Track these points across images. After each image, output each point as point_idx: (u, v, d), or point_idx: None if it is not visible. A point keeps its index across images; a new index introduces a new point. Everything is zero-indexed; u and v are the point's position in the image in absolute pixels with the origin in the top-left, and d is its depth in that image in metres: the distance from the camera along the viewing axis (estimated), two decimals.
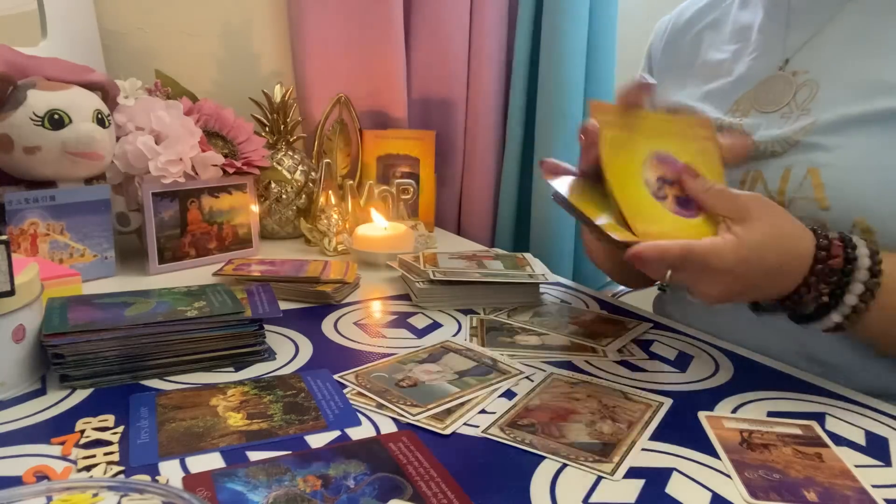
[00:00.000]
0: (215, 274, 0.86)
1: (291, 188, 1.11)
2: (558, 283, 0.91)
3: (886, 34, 0.66)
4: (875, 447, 0.51)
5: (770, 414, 0.56)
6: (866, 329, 0.58)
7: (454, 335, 0.72)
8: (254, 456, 0.47)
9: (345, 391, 0.57)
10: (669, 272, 0.53)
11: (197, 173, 0.94)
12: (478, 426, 0.52)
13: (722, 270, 0.53)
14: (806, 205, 0.65)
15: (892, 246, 0.60)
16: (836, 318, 0.56)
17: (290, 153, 1.13)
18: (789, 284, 0.56)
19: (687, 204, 0.58)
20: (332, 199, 1.09)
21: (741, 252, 0.53)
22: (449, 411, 0.54)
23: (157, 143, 0.91)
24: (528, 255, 0.91)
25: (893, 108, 0.62)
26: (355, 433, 0.51)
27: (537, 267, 0.85)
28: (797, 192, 0.66)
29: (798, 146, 0.67)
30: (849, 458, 0.49)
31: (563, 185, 0.61)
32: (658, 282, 0.91)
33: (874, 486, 0.46)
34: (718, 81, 0.78)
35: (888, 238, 0.61)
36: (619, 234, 0.54)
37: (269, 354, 0.65)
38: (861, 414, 0.56)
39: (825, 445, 0.51)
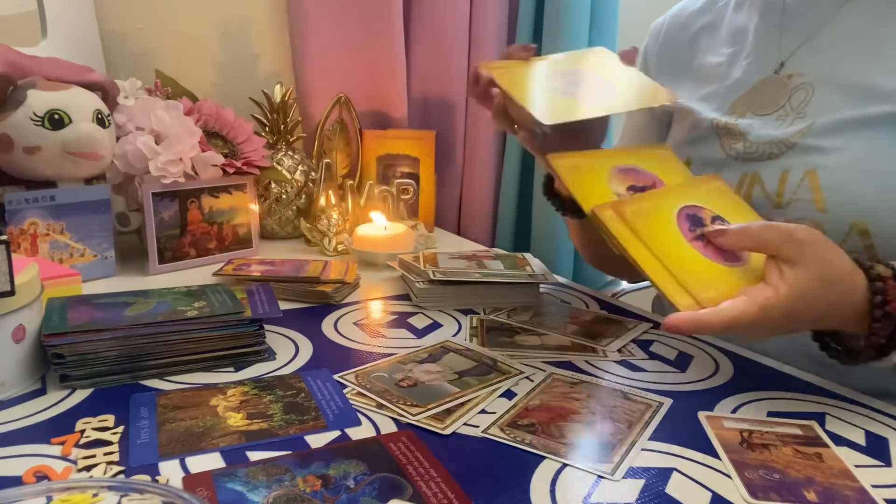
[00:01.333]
0: (215, 274, 0.86)
1: (291, 188, 1.11)
2: (558, 283, 0.91)
3: (881, 37, 0.66)
4: (875, 447, 0.51)
5: (770, 414, 0.56)
6: None
7: (454, 335, 0.72)
8: (254, 456, 0.47)
9: (345, 391, 0.57)
10: None
11: (197, 173, 0.94)
12: (478, 426, 0.52)
13: (769, 325, 0.51)
14: (804, 207, 0.65)
15: (889, 247, 0.60)
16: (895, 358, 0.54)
17: (290, 153, 1.13)
18: (837, 324, 0.54)
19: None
20: (332, 199, 1.09)
21: (793, 306, 0.50)
22: (449, 411, 0.54)
23: (157, 143, 0.91)
24: (528, 255, 0.91)
25: (889, 112, 0.62)
26: (355, 433, 0.51)
27: (537, 267, 0.85)
28: (795, 195, 0.66)
29: (795, 148, 0.67)
30: (849, 458, 0.49)
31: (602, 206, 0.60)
32: None
33: (874, 486, 0.46)
34: (715, 84, 0.78)
35: (886, 240, 0.61)
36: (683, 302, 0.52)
37: (269, 354, 0.65)
38: (861, 414, 0.56)
39: (825, 445, 0.51)
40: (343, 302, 0.82)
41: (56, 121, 0.80)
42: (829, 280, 0.51)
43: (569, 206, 0.80)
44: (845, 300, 0.52)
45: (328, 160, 1.14)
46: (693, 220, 0.58)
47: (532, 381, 0.60)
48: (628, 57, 0.77)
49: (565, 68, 0.76)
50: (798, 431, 0.53)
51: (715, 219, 0.59)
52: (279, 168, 1.11)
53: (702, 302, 0.51)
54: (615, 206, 0.57)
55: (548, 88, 0.72)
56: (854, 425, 0.54)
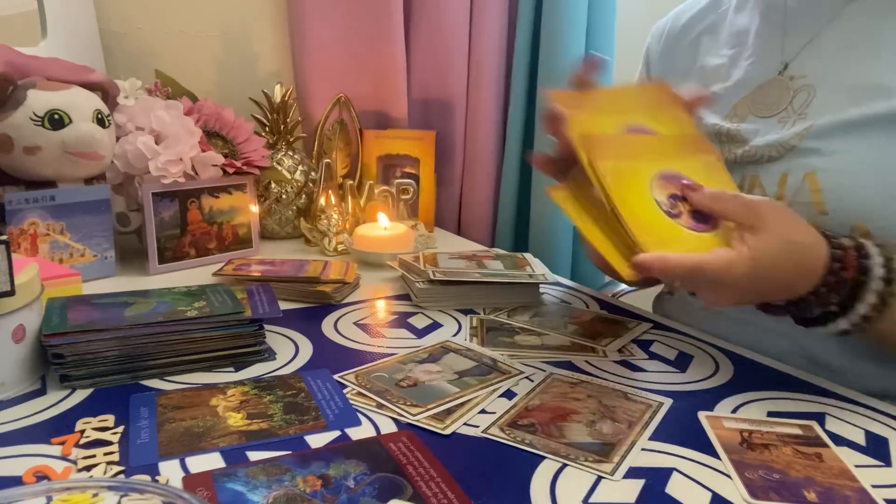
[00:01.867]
0: (215, 274, 0.86)
1: (291, 188, 1.11)
2: (558, 283, 0.91)
3: (883, 38, 0.66)
4: (875, 447, 0.51)
5: (770, 414, 0.56)
6: (874, 334, 0.57)
7: (454, 335, 0.72)
8: (254, 456, 0.47)
9: (345, 391, 0.57)
10: (678, 283, 0.53)
11: (197, 173, 0.94)
12: (478, 426, 0.52)
13: (733, 284, 0.52)
14: (804, 210, 0.65)
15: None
16: (843, 325, 0.56)
17: (290, 153, 1.13)
18: (799, 292, 0.56)
19: (703, 218, 0.57)
20: (332, 199, 1.09)
21: (755, 267, 0.52)
22: (449, 411, 0.54)
23: (157, 143, 0.91)
24: (528, 255, 0.91)
25: (890, 113, 0.62)
26: (355, 433, 0.51)
27: (537, 267, 0.85)
28: (795, 197, 0.66)
29: (795, 151, 0.67)
30: (849, 458, 0.49)
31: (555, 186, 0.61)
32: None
33: (874, 486, 0.46)
34: (716, 86, 0.78)
35: (886, 242, 0.61)
36: (620, 263, 0.54)
37: (269, 354, 0.65)
38: (861, 414, 0.56)
39: (825, 445, 0.51)
40: (343, 302, 0.82)
41: (56, 121, 0.80)
42: (791, 246, 0.53)
43: None
44: (807, 266, 0.54)
45: (328, 160, 1.14)
46: (673, 195, 0.58)
47: (532, 381, 0.60)
48: (593, 67, 0.63)
49: (664, 167, 0.61)
50: (798, 431, 0.53)
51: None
52: (279, 168, 1.11)
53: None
54: (591, 159, 0.56)
55: (651, 205, 0.59)
56: (854, 425, 0.54)
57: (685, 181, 0.59)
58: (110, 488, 0.33)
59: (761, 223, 0.53)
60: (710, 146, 0.65)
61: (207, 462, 0.47)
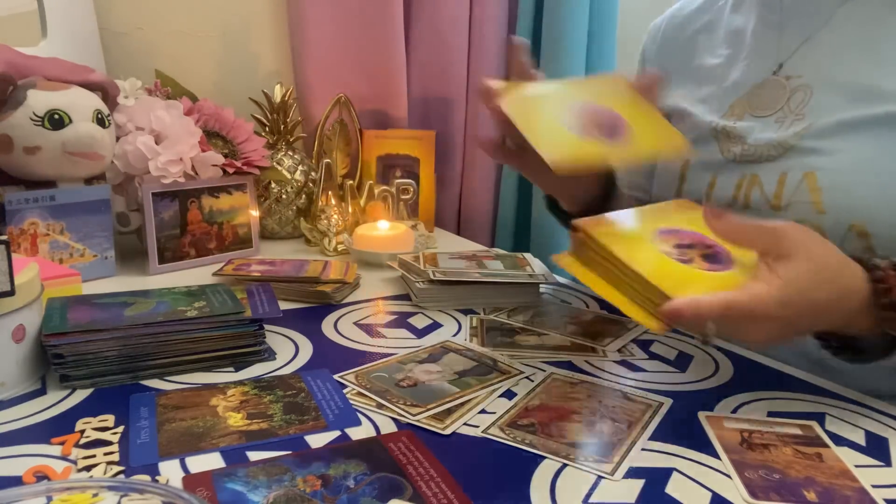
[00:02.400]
0: (215, 274, 0.86)
1: (291, 188, 1.11)
2: (558, 283, 0.91)
3: (879, 39, 0.66)
4: (875, 447, 0.51)
5: (770, 414, 0.56)
6: None
7: (454, 335, 0.72)
8: (254, 456, 0.47)
9: (345, 391, 0.57)
10: (711, 324, 0.49)
11: (197, 173, 0.94)
12: (478, 426, 0.52)
13: (768, 318, 0.48)
14: (802, 209, 0.65)
15: (888, 249, 0.60)
16: None
17: (290, 153, 1.13)
18: (843, 318, 0.53)
19: (716, 259, 0.54)
20: (332, 199, 1.09)
21: (787, 296, 0.48)
22: (449, 411, 0.54)
23: (157, 143, 0.91)
24: (528, 255, 0.91)
25: (888, 113, 0.62)
26: (355, 433, 0.51)
27: (537, 267, 0.85)
28: (794, 197, 0.66)
29: (794, 150, 0.67)
30: (849, 458, 0.49)
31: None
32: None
33: (874, 486, 0.46)
34: (713, 86, 0.78)
35: (884, 241, 0.61)
36: (642, 316, 0.52)
37: (269, 354, 0.65)
38: (861, 414, 0.56)
39: (825, 445, 0.51)
40: (343, 302, 0.82)
41: (56, 121, 0.80)
42: (823, 270, 0.50)
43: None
44: (844, 291, 0.51)
45: (328, 160, 1.14)
46: (680, 246, 0.56)
47: (532, 381, 0.60)
48: (648, 88, 0.67)
49: (580, 100, 0.66)
50: (798, 431, 0.53)
51: (700, 245, 0.57)
52: (279, 168, 1.11)
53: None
54: (585, 229, 0.56)
55: (561, 126, 0.62)
56: (854, 425, 0.54)
57: (681, 233, 0.57)
58: (110, 488, 0.33)
59: (788, 248, 0.50)
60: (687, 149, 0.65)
61: (207, 462, 0.47)
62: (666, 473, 0.47)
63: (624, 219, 0.60)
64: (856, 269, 0.52)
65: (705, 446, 0.50)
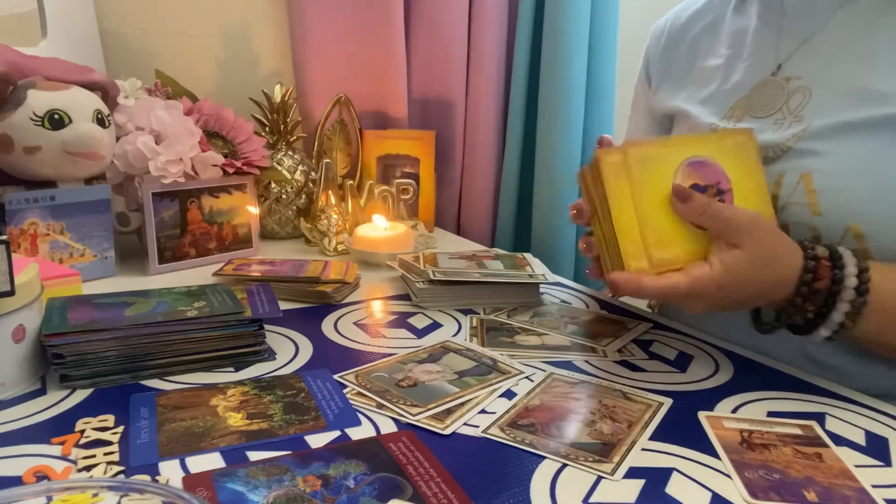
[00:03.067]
0: (215, 274, 0.86)
1: (291, 188, 1.11)
2: (558, 283, 0.91)
3: (877, 41, 0.66)
4: (875, 447, 0.51)
5: (770, 414, 0.56)
6: (858, 338, 0.60)
7: (454, 335, 0.72)
8: (254, 456, 0.47)
9: (345, 391, 0.57)
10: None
11: (197, 173, 0.94)
12: (478, 426, 0.52)
13: (704, 297, 0.57)
14: (799, 210, 0.65)
15: (884, 250, 0.60)
16: (824, 332, 0.59)
17: (290, 153, 1.13)
18: (774, 302, 0.60)
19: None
20: (332, 199, 1.09)
21: (723, 283, 0.56)
22: (449, 411, 0.54)
23: (157, 143, 0.91)
24: (528, 255, 0.91)
25: (885, 116, 0.62)
26: (355, 433, 0.51)
27: (537, 267, 0.85)
28: (790, 198, 0.66)
29: (791, 152, 0.67)
30: (849, 458, 0.49)
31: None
32: None
33: (874, 486, 0.46)
34: (714, 87, 0.78)
35: (881, 243, 0.61)
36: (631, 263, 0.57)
37: (269, 354, 0.65)
38: (861, 414, 0.56)
39: (825, 445, 0.51)
40: (343, 302, 0.82)
41: (56, 121, 0.80)
42: (765, 261, 0.57)
43: None
44: (779, 280, 0.58)
45: (328, 160, 1.14)
46: (696, 187, 0.60)
47: (532, 381, 0.60)
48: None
49: (696, 152, 0.62)
50: (798, 431, 0.53)
51: (719, 192, 0.61)
52: (279, 168, 1.11)
53: (654, 261, 0.57)
54: (623, 149, 0.58)
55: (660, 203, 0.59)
56: (854, 425, 0.54)
57: (708, 167, 0.61)
58: (110, 488, 0.33)
59: (736, 237, 0.56)
60: (745, 130, 0.66)
61: (207, 462, 0.47)
62: (666, 473, 0.47)
63: (665, 141, 0.63)
64: (796, 258, 0.58)
65: (705, 446, 0.50)
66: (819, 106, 0.67)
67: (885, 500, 0.44)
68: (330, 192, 1.10)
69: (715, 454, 0.49)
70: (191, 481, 0.44)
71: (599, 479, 0.46)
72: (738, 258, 0.56)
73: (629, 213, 0.57)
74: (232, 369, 0.62)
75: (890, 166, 0.61)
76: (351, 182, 1.12)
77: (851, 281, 0.57)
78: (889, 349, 0.62)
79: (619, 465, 0.47)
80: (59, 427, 0.51)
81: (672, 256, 0.58)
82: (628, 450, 0.49)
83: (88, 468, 0.45)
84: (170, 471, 0.45)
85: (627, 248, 0.57)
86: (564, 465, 0.47)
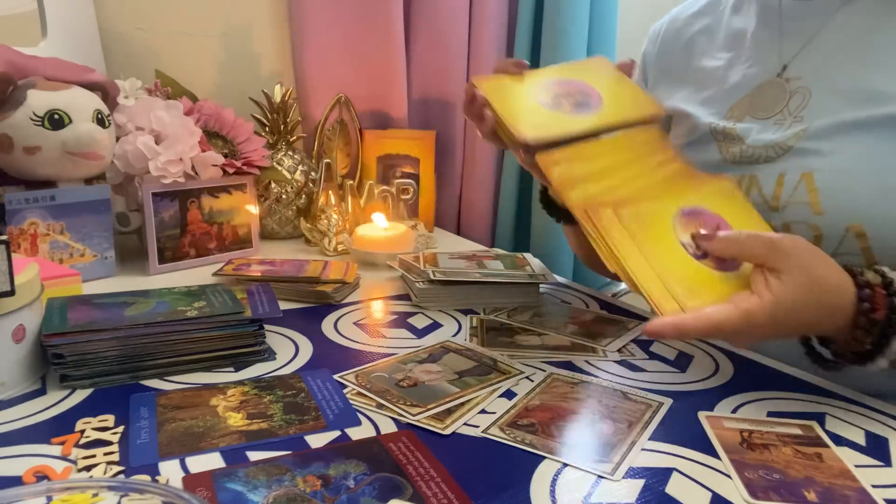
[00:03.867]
0: (215, 274, 0.86)
1: (291, 188, 1.11)
2: (558, 283, 0.91)
3: (877, 41, 0.66)
4: (875, 447, 0.51)
5: (770, 414, 0.56)
6: None
7: (454, 335, 0.72)
8: (254, 456, 0.47)
9: (345, 391, 0.57)
10: None
11: (197, 173, 0.94)
12: (478, 426, 0.52)
13: (753, 332, 0.51)
14: (800, 209, 0.65)
15: (885, 249, 0.60)
16: (882, 363, 0.54)
17: (290, 153, 1.13)
18: (826, 330, 0.55)
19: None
20: (332, 199, 1.09)
21: (777, 314, 0.50)
22: (449, 411, 0.54)
23: (157, 143, 0.91)
24: (528, 255, 0.91)
25: (886, 115, 0.62)
26: (355, 433, 0.51)
27: (537, 267, 0.85)
28: (791, 197, 0.66)
29: (792, 151, 0.67)
30: (849, 458, 0.49)
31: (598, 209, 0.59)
32: None
33: (874, 486, 0.46)
34: (713, 88, 0.78)
35: (882, 242, 0.61)
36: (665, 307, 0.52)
37: (269, 354, 0.65)
38: (861, 414, 0.56)
39: (825, 445, 0.51)
40: (343, 302, 0.82)
41: (56, 121, 0.80)
42: (815, 288, 0.51)
43: (565, 214, 0.80)
44: (833, 308, 0.52)
45: (328, 160, 1.14)
46: (693, 215, 0.58)
47: (532, 381, 0.60)
48: (625, 69, 0.76)
49: (556, 79, 0.73)
50: (798, 431, 0.53)
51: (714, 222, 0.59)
52: (279, 168, 1.11)
53: (687, 311, 0.51)
54: (614, 207, 0.57)
55: (535, 103, 0.69)
56: (854, 425, 0.54)
57: (704, 215, 0.58)
58: (110, 488, 0.33)
59: (784, 263, 0.51)
60: (720, 177, 0.66)
61: (207, 462, 0.47)
62: (666, 473, 0.47)
63: (648, 193, 0.60)
64: (847, 286, 0.53)
65: (705, 446, 0.50)
66: (819, 106, 0.67)
67: (885, 500, 0.44)
68: (330, 192, 1.10)
69: (715, 454, 0.49)
70: (191, 481, 0.44)
71: (599, 479, 0.46)
72: (788, 285, 0.50)
73: (645, 267, 0.53)
74: (232, 369, 0.62)
75: (891, 165, 0.61)
76: (351, 182, 1.12)
77: None
78: None
79: (619, 465, 0.47)
80: (59, 427, 0.51)
81: (703, 303, 0.52)
82: (628, 450, 0.49)
83: (88, 468, 0.45)
84: (170, 471, 0.45)
85: (656, 296, 0.52)
86: (564, 465, 0.47)
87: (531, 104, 0.69)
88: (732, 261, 0.55)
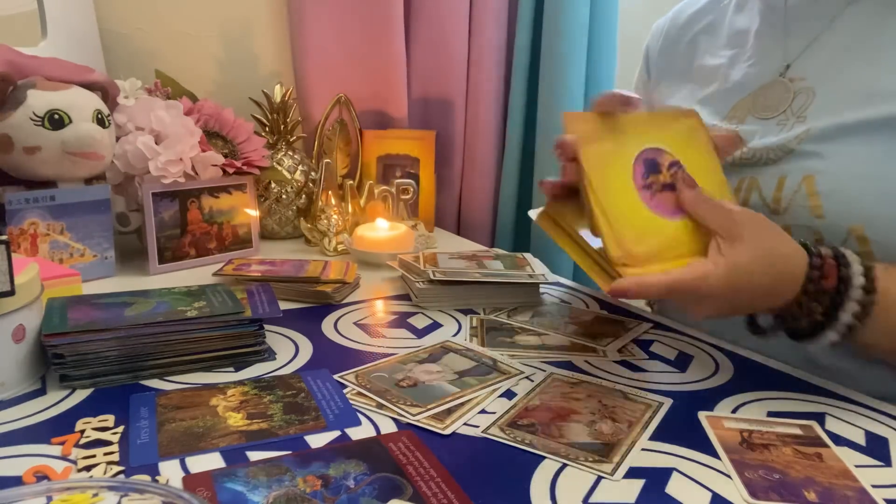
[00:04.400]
0: (215, 274, 0.86)
1: (291, 188, 1.11)
2: (558, 283, 0.91)
3: (881, 42, 0.65)
4: (875, 447, 0.51)
5: (770, 414, 0.56)
6: (863, 342, 0.57)
7: (454, 335, 0.72)
8: (254, 456, 0.47)
9: (345, 391, 0.57)
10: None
11: (197, 173, 0.94)
12: (478, 426, 0.52)
13: (711, 294, 0.53)
14: (801, 212, 0.65)
15: (887, 253, 0.60)
16: (832, 336, 0.56)
17: (290, 153, 1.13)
18: (781, 303, 0.56)
19: (671, 191, 0.58)
20: (332, 199, 1.09)
21: (731, 278, 0.52)
22: (449, 411, 0.54)
23: (157, 143, 0.91)
24: (528, 255, 0.91)
25: (888, 117, 0.62)
26: (355, 433, 0.51)
27: (537, 267, 0.85)
28: (792, 200, 0.66)
29: (793, 154, 0.67)
30: (849, 458, 0.49)
31: (537, 211, 0.62)
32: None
33: (874, 486, 0.46)
34: (714, 87, 0.78)
35: (884, 245, 0.61)
36: (600, 279, 0.55)
37: (269, 354, 0.65)
38: (861, 414, 0.56)
39: (825, 445, 0.51)
40: (343, 302, 0.82)
41: (56, 121, 0.80)
42: (769, 257, 0.54)
43: None
44: (785, 275, 0.55)
45: (328, 160, 1.14)
46: (650, 165, 0.58)
47: (532, 381, 0.60)
48: (724, 145, 0.65)
49: (655, 147, 0.60)
50: (798, 431, 0.53)
51: (672, 164, 0.59)
52: (279, 168, 1.11)
53: (634, 255, 0.54)
54: (583, 145, 0.56)
55: (635, 197, 0.57)
56: (854, 425, 0.54)
57: (665, 169, 0.59)
58: (110, 488, 0.33)
59: (739, 233, 0.54)
60: (697, 121, 0.64)
61: (207, 462, 0.47)
62: (666, 473, 0.47)
63: (614, 129, 0.59)
64: (801, 256, 0.55)
65: (705, 446, 0.50)
66: (823, 107, 0.67)
67: (885, 500, 0.44)
68: (330, 192, 1.10)
69: (715, 454, 0.49)
70: (191, 481, 0.44)
71: (599, 479, 0.46)
72: (741, 251, 0.53)
73: (596, 206, 0.55)
74: (232, 369, 0.62)
75: (893, 168, 0.61)
76: (351, 182, 1.12)
77: (858, 280, 0.54)
78: (892, 353, 0.60)
79: (619, 465, 0.47)
80: (59, 427, 0.51)
81: (650, 249, 0.54)
82: (628, 450, 0.49)
83: (88, 468, 0.45)
84: (170, 471, 0.45)
85: (607, 240, 0.54)
86: (564, 465, 0.47)
87: (626, 188, 0.57)
88: (680, 208, 0.57)
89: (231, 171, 0.97)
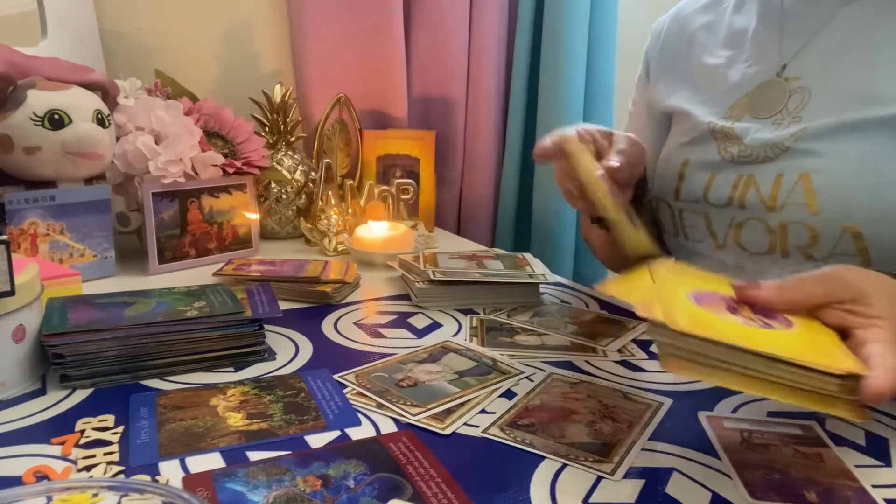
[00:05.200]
0: (215, 274, 0.86)
1: (291, 188, 1.11)
2: (558, 283, 0.91)
3: (876, 42, 0.66)
4: (875, 447, 0.51)
5: (770, 414, 0.56)
6: None
7: (454, 335, 0.72)
8: (254, 456, 0.47)
9: (345, 391, 0.57)
10: None
11: (197, 173, 0.94)
12: (478, 426, 0.52)
13: None
14: (797, 210, 0.65)
15: (881, 251, 0.61)
16: None
17: (290, 153, 1.13)
18: None
19: (771, 316, 0.48)
20: (332, 199, 1.09)
21: None
22: (449, 411, 0.54)
23: (157, 143, 0.91)
24: (528, 255, 0.91)
25: (884, 117, 0.62)
26: (355, 433, 0.51)
27: (537, 267, 0.85)
28: (789, 198, 0.66)
29: (790, 152, 0.67)
30: (849, 458, 0.49)
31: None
32: None
33: (874, 486, 0.46)
34: (713, 86, 0.78)
35: (878, 243, 0.61)
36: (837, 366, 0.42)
37: (269, 354, 0.65)
38: None
39: (825, 445, 0.51)
40: (343, 302, 0.82)
41: (56, 121, 0.80)
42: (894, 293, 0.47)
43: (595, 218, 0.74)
44: None
45: (328, 160, 1.14)
46: (705, 298, 0.49)
47: (532, 381, 0.60)
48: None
49: (689, 288, 0.53)
50: (798, 431, 0.53)
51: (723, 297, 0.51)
52: (279, 168, 1.11)
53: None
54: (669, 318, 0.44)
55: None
56: (854, 425, 0.54)
57: (725, 294, 0.51)
58: (110, 488, 0.33)
59: (856, 286, 0.47)
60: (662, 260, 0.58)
61: (207, 462, 0.47)
62: (666, 473, 0.47)
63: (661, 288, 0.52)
64: None
65: (705, 446, 0.50)
66: (818, 107, 0.67)
67: (885, 500, 0.44)
68: (330, 192, 1.10)
69: (715, 454, 0.49)
70: (191, 481, 0.44)
71: (599, 479, 0.46)
72: (878, 302, 0.45)
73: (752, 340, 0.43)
74: (232, 369, 0.62)
75: (889, 167, 0.61)
76: (351, 182, 1.12)
77: None
78: None
79: (619, 465, 0.47)
80: (59, 427, 0.51)
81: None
82: (628, 450, 0.49)
83: (88, 468, 0.45)
84: (170, 471, 0.45)
85: (823, 360, 0.42)
86: (564, 465, 0.47)
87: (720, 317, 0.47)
88: (775, 318, 0.48)
89: (231, 171, 0.97)
